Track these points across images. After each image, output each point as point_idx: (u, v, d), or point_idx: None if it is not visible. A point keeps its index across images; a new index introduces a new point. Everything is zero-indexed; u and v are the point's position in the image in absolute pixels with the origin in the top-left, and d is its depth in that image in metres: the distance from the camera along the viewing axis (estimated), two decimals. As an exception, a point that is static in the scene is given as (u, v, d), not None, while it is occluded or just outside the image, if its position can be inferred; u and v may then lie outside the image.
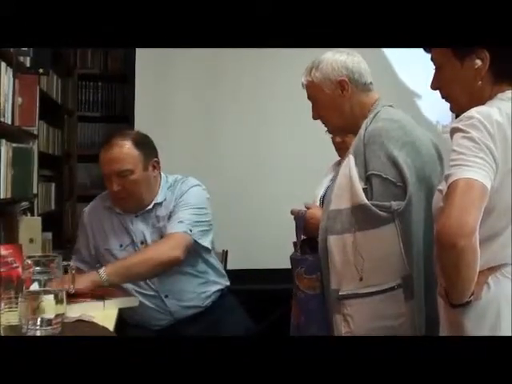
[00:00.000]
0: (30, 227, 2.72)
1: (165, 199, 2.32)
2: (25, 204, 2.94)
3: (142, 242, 2.29)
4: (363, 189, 1.74)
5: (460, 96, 1.51)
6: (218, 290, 2.39)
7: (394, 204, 1.71)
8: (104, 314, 1.93)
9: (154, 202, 2.30)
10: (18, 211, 2.81)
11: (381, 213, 1.71)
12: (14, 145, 2.56)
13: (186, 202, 2.29)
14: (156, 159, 2.33)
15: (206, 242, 2.30)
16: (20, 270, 1.79)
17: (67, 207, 4.21)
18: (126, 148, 2.25)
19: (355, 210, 1.74)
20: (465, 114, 1.40)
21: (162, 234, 2.27)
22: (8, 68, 2.47)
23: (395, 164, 1.73)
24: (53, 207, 3.80)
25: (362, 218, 1.72)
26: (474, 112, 1.38)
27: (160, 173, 2.36)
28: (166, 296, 2.28)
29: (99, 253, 2.32)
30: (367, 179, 1.75)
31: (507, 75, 1.47)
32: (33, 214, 3.11)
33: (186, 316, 2.30)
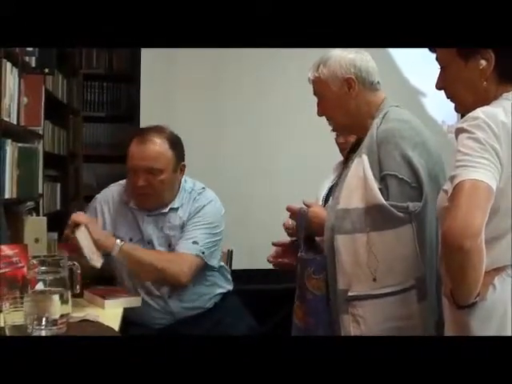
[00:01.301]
0: (36, 227, 2.72)
1: (181, 205, 2.29)
2: (30, 204, 2.95)
3: (148, 243, 2.28)
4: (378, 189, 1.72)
5: (465, 96, 1.50)
6: (221, 293, 2.39)
7: (411, 205, 1.70)
8: (109, 314, 1.93)
9: (170, 207, 2.28)
10: (24, 211, 2.82)
11: (398, 213, 1.70)
12: (20, 145, 2.57)
13: (202, 220, 2.28)
14: (184, 163, 2.31)
15: (214, 262, 2.31)
16: (25, 269, 1.80)
17: (73, 207, 4.21)
18: (160, 146, 2.22)
19: (370, 210, 1.72)
20: (470, 115, 1.39)
21: (170, 243, 2.27)
22: (14, 68, 2.48)
23: (410, 164, 1.73)
24: (58, 207, 3.81)
25: (379, 218, 1.71)
26: (480, 112, 1.38)
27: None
28: (169, 296, 2.28)
29: None
30: (382, 179, 1.74)
31: (512, 75, 1.46)
32: (38, 214, 3.11)
33: (187, 316, 2.29)
